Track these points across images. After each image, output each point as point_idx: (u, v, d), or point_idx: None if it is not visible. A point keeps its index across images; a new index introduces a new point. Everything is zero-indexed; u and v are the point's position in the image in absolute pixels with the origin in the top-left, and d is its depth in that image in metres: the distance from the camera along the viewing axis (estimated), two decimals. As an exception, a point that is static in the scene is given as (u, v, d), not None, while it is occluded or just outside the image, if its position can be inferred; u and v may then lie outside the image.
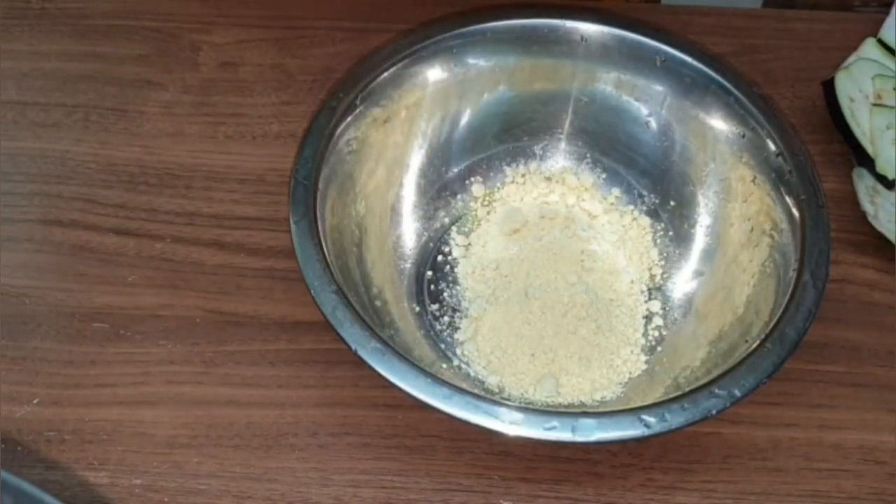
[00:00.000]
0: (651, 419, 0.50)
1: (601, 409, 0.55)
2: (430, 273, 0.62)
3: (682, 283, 0.61)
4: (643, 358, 0.58)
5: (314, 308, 0.53)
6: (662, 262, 0.62)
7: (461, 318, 0.60)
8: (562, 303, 0.58)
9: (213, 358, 0.58)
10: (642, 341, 0.59)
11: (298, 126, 0.67)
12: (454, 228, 0.63)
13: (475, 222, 0.64)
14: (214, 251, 0.62)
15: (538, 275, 0.60)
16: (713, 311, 0.59)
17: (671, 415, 0.50)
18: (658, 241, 0.63)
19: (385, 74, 0.61)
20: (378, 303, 0.58)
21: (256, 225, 0.63)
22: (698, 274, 0.61)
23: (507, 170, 0.65)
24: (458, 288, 0.61)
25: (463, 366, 0.58)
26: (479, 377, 0.57)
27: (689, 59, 0.62)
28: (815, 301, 0.54)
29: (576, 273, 0.60)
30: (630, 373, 0.58)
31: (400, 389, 0.51)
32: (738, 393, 0.51)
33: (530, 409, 0.51)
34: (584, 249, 0.61)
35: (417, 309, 0.60)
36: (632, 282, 0.61)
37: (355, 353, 0.52)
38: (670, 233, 0.63)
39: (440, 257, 0.62)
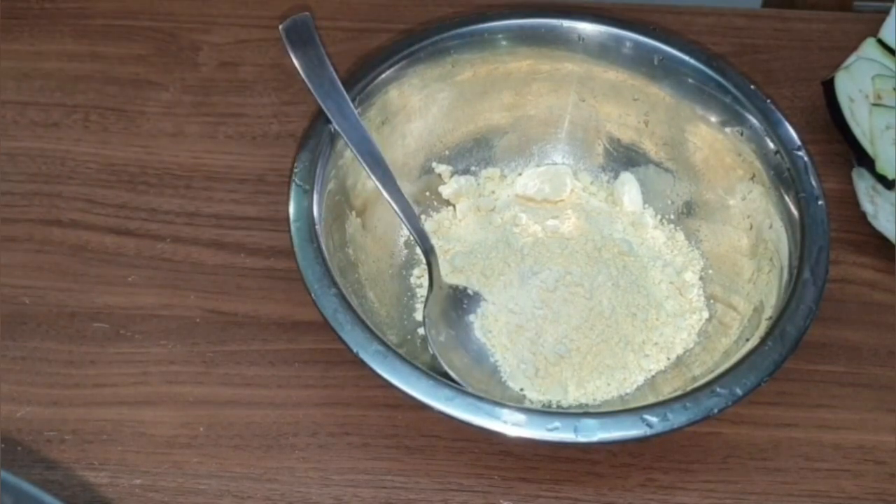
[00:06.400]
0: (653, 419, 0.50)
1: (603, 410, 0.55)
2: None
3: (682, 282, 0.61)
4: (644, 359, 0.58)
5: (314, 308, 0.53)
6: (662, 262, 0.62)
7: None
8: (562, 303, 0.59)
9: (213, 358, 0.58)
10: (642, 338, 0.59)
11: (298, 126, 0.67)
12: (453, 228, 0.63)
13: (475, 222, 0.64)
14: (214, 251, 0.62)
15: (539, 275, 0.60)
16: (713, 310, 0.60)
17: (673, 414, 0.50)
18: (658, 240, 0.63)
19: (385, 74, 0.61)
20: (377, 304, 0.58)
21: (256, 225, 0.63)
22: (698, 272, 0.61)
23: (507, 170, 0.65)
24: (458, 288, 0.61)
25: (463, 366, 0.58)
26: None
27: (688, 58, 0.62)
28: (816, 298, 0.54)
29: (576, 274, 0.60)
30: (631, 375, 0.58)
31: (401, 391, 0.51)
32: (739, 391, 0.51)
33: (532, 409, 0.51)
34: (584, 249, 0.61)
35: (417, 310, 0.60)
36: (633, 281, 0.61)
37: (357, 356, 0.52)
38: (670, 232, 0.63)
39: (440, 257, 0.62)
